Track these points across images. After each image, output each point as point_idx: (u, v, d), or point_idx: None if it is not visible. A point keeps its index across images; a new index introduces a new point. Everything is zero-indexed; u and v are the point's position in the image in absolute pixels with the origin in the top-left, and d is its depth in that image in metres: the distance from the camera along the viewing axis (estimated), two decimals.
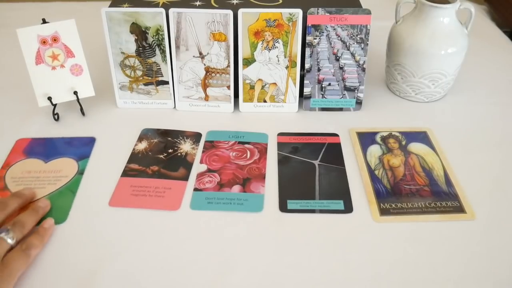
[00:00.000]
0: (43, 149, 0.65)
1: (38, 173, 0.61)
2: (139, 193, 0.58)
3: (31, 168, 0.62)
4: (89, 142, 0.66)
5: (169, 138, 0.67)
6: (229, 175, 0.61)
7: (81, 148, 0.65)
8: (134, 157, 0.64)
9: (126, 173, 0.61)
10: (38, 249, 0.50)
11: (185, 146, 0.66)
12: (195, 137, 0.67)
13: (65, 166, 0.62)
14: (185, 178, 0.61)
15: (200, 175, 0.61)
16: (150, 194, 0.58)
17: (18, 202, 0.53)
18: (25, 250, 0.48)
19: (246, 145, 0.66)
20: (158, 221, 0.55)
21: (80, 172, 0.62)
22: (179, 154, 0.64)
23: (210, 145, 0.66)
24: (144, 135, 0.68)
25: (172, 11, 0.66)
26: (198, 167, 0.62)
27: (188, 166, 0.62)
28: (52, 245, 0.52)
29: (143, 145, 0.66)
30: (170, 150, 0.65)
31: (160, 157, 0.64)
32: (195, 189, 0.59)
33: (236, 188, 0.59)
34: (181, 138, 0.67)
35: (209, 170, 0.62)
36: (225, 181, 0.60)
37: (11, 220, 0.51)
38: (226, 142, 0.67)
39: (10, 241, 0.48)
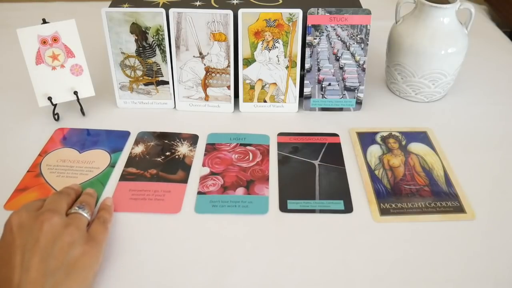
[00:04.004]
0: (79, 139, 0.67)
1: (72, 162, 0.63)
2: (139, 197, 0.58)
3: (66, 157, 0.63)
4: (125, 135, 0.68)
5: (166, 141, 0.67)
6: (233, 178, 0.61)
7: (115, 141, 0.66)
8: (132, 160, 0.63)
9: (125, 177, 0.61)
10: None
11: (183, 149, 0.65)
12: (192, 139, 0.67)
13: (98, 158, 0.63)
14: (184, 180, 0.60)
15: (203, 178, 0.60)
16: (149, 198, 0.57)
17: (74, 193, 0.55)
18: (103, 223, 0.51)
19: (248, 147, 0.66)
20: (160, 225, 0.54)
21: (112, 165, 0.62)
22: (177, 156, 0.64)
23: (212, 148, 0.66)
24: (140, 138, 0.67)
25: (172, 11, 0.66)
26: (199, 170, 0.62)
27: (187, 168, 0.62)
28: None
29: (139, 149, 0.65)
30: (167, 153, 0.65)
31: (158, 160, 0.63)
32: (199, 193, 0.58)
33: (241, 191, 0.59)
34: (178, 140, 0.67)
35: (212, 173, 0.61)
36: (228, 184, 0.60)
37: (74, 204, 0.53)
38: (228, 144, 0.66)
39: (86, 216, 0.51)
